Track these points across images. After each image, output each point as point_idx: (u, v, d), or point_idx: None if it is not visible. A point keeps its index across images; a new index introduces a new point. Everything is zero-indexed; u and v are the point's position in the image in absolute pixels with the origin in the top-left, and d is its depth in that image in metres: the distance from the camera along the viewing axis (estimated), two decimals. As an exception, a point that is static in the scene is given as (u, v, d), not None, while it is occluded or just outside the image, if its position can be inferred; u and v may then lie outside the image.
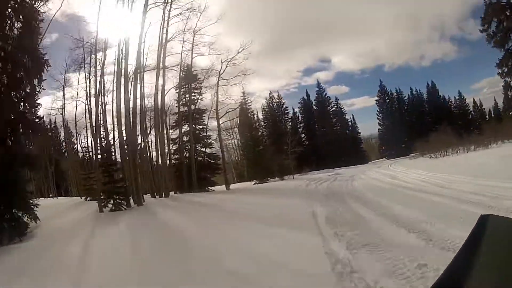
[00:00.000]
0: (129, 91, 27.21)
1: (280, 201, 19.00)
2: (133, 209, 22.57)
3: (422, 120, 56.43)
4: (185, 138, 35.40)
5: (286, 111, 56.19)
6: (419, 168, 29.91)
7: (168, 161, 35.06)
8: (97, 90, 27.05)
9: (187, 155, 35.11)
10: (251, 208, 16.91)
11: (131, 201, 23.96)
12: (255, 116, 43.65)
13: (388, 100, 61.44)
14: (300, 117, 59.87)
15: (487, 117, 54.66)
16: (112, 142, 27.07)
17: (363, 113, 64.93)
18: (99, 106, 26.93)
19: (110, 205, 22.72)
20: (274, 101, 55.11)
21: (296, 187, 27.49)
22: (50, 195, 39.58)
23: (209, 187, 34.91)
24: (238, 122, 43.56)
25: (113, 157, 26.25)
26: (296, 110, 57.80)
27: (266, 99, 53.57)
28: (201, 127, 36.42)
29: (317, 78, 57.38)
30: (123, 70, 26.76)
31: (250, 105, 41.09)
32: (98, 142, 24.90)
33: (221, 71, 35.36)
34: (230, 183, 40.78)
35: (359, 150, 65.07)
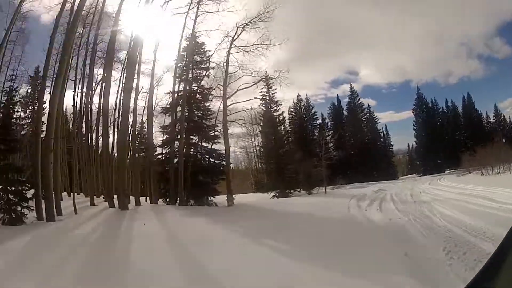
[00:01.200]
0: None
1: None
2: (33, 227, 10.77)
3: (458, 134, 47.00)
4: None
5: (314, 116, 44.14)
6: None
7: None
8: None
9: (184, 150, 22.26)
10: None
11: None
12: (279, 108, 29.46)
13: (425, 110, 48.92)
14: (329, 123, 46.97)
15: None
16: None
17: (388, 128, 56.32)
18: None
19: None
20: (302, 104, 42.99)
21: (348, 215, 14.05)
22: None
23: (210, 197, 21.93)
24: (261, 122, 29.96)
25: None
26: (326, 117, 46.13)
27: (293, 101, 41.13)
28: (201, 113, 23.24)
29: (350, 83, 47.54)
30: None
31: (274, 93, 27.84)
32: None
33: (235, 37, 22.58)
34: (246, 192, 29.69)
35: (391, 164, 52.22)
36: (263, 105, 28.05)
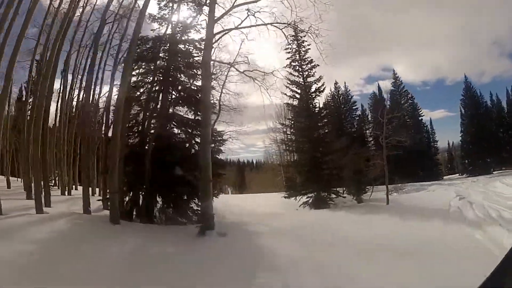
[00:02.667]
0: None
1: None
2: None
3: (502, 132, 36.25)
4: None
5: (354, 106, 33.93)
6: None
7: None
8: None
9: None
10: None
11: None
12: (314, 72, 16.85)
13: (473, 102, 38.71)
14: (369, 116, 36.35)
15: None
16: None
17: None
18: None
19: None
20: (340, 93, 33.13)
21: None
22: None
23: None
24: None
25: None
26: (366, 108, 34.90)
27: (330, 91, 31.33)
28: (190, 70, 12.19)
29: (393, 69, 35.09)
30: None
31: (306, 46, 16.40)
32: None
33: None
34: (273, 191, 19.97)
35: (435, 163, 40.71)
36: (290, 65, 16.71)
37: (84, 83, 14.88)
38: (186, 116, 12.38)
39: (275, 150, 28.27)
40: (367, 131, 34.56)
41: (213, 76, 13.19)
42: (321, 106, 17.68)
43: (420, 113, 37.02)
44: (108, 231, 8.10)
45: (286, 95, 16.52)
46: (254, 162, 41.20)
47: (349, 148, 17.36)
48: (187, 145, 12.20)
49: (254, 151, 46.98)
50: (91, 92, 12.33)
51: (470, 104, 37.10)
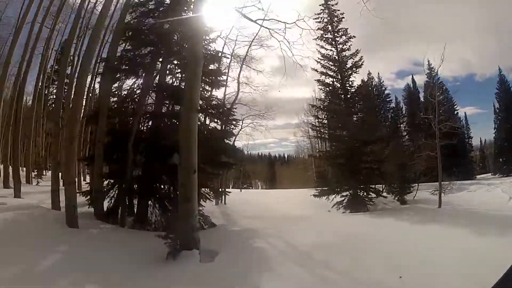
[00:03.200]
0: None
1: None
2: None
3: None
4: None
5: (388, 98, 30.18)
6: None
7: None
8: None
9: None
10: None
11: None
12: (349, 45, 13.50)
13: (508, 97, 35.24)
14: (403, 108, 33.10)
15: None
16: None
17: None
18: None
19: None
20: (373, 83, 29.20)
21: None
22: None
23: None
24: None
25: None
26: (399, 100, 31.29)
27: (362, 81, 27.86)
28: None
29: (428, 59, 25.31)
30: None
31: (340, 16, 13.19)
32: None
33: None
34: (303, 187, 17.49)
35: (469, 161, 36.59)
36: (322, 38, 13.48)
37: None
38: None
39: (306, 142, 25.63)
40: (401, 125, 31.25)
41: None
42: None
43: (455, 107, 33.46)
44: (52, 237, 5.35)
45: (317, 71, 13.33)
46: (286, 156, 38.86)
47: (390, 139, 14.16)
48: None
49: (286, 146, 44.27)
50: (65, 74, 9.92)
51: (505, 98, 33.53)
